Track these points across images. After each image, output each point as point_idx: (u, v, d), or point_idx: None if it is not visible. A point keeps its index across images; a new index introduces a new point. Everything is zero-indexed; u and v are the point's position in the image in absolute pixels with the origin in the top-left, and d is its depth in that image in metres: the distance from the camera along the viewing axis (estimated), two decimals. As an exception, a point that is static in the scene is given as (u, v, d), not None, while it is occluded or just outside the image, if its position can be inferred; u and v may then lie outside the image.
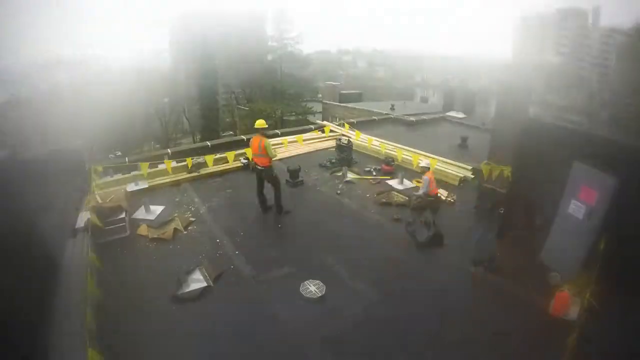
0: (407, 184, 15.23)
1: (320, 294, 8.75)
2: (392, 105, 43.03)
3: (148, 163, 14.26)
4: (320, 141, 21.03)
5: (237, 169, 16.60)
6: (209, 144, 19.63)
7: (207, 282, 9.13)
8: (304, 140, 19.91)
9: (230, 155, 15.56)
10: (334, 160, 17.54)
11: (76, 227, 10.54)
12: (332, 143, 19.82)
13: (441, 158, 17.13)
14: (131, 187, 14.12)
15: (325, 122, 24.24)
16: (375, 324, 7.96)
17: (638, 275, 7.13)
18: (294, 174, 15.24)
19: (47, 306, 7.81)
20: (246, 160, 16.66)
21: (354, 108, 44.35)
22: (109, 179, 14.63)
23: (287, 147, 19.05)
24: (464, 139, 21.91)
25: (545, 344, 7.21)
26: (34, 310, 7.63)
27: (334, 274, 9.56)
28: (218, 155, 16.10)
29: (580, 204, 8.21)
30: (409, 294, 8.92)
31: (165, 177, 15.05)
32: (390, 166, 16.58)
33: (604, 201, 7.73)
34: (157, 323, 7.96)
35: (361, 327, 7.89)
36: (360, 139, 19.71)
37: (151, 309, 8.38)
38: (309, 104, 65.95)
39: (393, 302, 8.66)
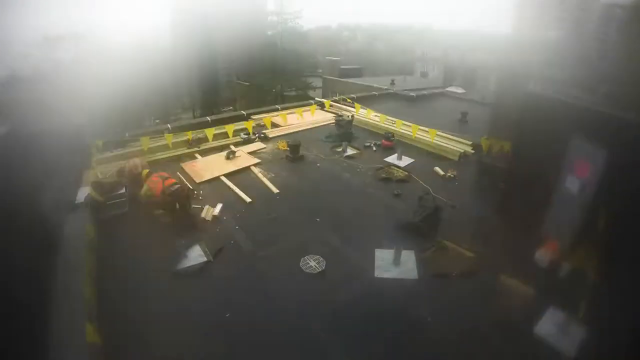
0: (406, 159, 15.23)
1: (320, 269, 8.80)
2: (392, 80, 42.85)
3: (149, 137, 14.27)
4: (321, 116, 21.00)
5: (237, 144, 16.51)
6: (209, 119, 19.60)
7: (207, 257, 9.18)
8: (303, 117, 19.89)
9: (229, 128, 15.54)
10: (333, 136, 17.52)
11: (76, 202, 10.57)
12: (332, 118, 19.85)
13: (441, 133, 17.12)
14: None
15: (323, 100, 24.19)
16: (374, 300, 8.05)
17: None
18: (294, 149, 15.21)
19: (47, 280, 7.86)
20: (246, 136, 16.71)
21: (354, 83, 44.24)
22: (109, 154, 14.62)
23: (287, 121, 19.02)
24: (464, 114, 21.88)
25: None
26: (33, 284, 7.68)
27: (333, 249, 9.61)
28: (218, 130, 16.09)
29: (576, 178, 8.21)
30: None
31: (166, 152, 15.01)
32: (390, 141, 16.59)
33: (598, 175, 7.73)
34: (157, 297, 8.04)
35: (360, 302, 7.99)
36: (360, 114, 19.74)
37: (151, 283, 8.43)
38: (309, 79, 65.75)
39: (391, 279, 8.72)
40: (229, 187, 12.86)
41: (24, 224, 8.12)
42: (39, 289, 7.53)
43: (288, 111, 20.94)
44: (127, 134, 16.20)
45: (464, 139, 16.61)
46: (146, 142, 13.95)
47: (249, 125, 16.38)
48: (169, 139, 14.37)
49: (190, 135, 15.44)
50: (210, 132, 15.15)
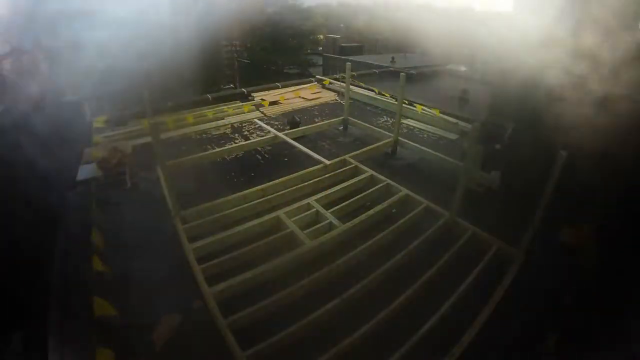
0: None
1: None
2: (393, 58, 42.79)
3: (147, 119, 14.24)
4: (321, 94, 20.97)
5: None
6: (209, 96, 19.54)
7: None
8: (303, 94, 19.91)
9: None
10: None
11: (76, 179, 10.62)
12: (332, 95, 19.92)
13: (442, 115, 17.03)
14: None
15: (324, 77, 24.09)
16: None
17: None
18: (294, 126, 15.20)
19: (49, 257, 7.91)
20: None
21: (355, 61, 44.13)
22: (110, 132, 14.64)
23: (286, 101, 18.99)
24: (464, 92, 21.84)
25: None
26: (35, 261, 7.73)
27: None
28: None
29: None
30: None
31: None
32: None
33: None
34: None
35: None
36: (360, 92, 19.78)
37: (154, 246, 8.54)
38: (310, 57, 65.63)
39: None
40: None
41: (24, 201, 8.16)
42: (41, 264, 7.60)
43: (299, 87, 21.12)
44: (127, 112, 16.19)
45: (462, 120, 16.41)
46: (146, 123, 13.88)
47: (247, 107, 16.29)
48: (170, 122, 13.93)
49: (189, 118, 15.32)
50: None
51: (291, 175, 11.11)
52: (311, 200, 9.89)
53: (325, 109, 18.64)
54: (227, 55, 69.69)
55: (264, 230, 8.93)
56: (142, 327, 6.51)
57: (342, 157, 12.30)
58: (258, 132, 15.35)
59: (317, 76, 25.22)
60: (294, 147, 13.12)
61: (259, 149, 13.83)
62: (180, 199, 9.29)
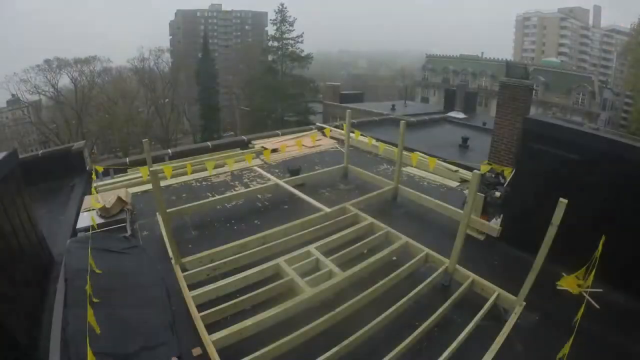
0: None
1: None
2: (393, 106, 43.20)
3: (147, 167, 14.25)
4: (322, 142, 21.02)
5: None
6: (209, 144, 19.61)
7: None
8: (303, 142, 19.94)
9: (210, 164, 15.19)
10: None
11: (77, 227, 10.60)
12: (332, 143, 19.97)
13: (442, 163, 17.01)
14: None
15: (324, 125, 24.07)
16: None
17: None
18: (294, 174, 15.23)
19: (46, 307, 7.85)
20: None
21: (355, 108, 44.41)
22: (109, 180, 14.69)
23: (286, 148, 19.03)
24: (465, 140, 21.92)
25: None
26: (32, 311, 7.66)
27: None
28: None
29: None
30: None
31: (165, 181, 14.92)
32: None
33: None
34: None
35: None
36: (360, 140, 19.82)
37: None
38: (310, 104, 66.14)
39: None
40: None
41: (24, 249, 8.13)
42: (37, 314, 7.53)
43: (299, 135, 21.19)
44: (127, 160, 16.26)
45: (463, 167, 16.35)
46: (145, 172, 13.86)
47: (249, 158, 16.26)
48: (168, 172, 13.66)
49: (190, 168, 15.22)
50: (210, 164, 14.91)
51: (291, 223, 11.09)
52: (311, 247, 9.86)
53: (326, 157, 18.68)
54: (227, 103, 70.64)
55: (264, 278, 8.89)
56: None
57: (342, 205, 12.30)
58: (258, 180, 15.40)
59: (317, 124, 25.32)
60: (294, 194, 13.16)
61: (259, 196, 13.84)
62: (180, 246, 9.29)
